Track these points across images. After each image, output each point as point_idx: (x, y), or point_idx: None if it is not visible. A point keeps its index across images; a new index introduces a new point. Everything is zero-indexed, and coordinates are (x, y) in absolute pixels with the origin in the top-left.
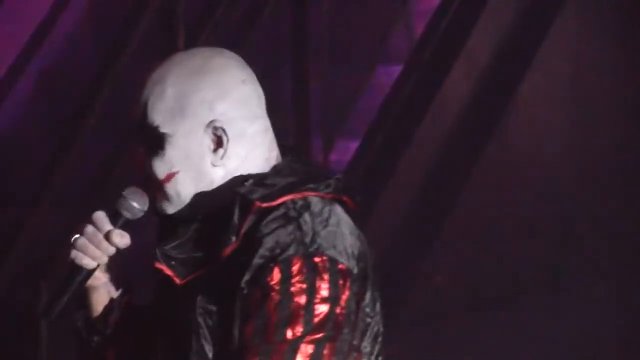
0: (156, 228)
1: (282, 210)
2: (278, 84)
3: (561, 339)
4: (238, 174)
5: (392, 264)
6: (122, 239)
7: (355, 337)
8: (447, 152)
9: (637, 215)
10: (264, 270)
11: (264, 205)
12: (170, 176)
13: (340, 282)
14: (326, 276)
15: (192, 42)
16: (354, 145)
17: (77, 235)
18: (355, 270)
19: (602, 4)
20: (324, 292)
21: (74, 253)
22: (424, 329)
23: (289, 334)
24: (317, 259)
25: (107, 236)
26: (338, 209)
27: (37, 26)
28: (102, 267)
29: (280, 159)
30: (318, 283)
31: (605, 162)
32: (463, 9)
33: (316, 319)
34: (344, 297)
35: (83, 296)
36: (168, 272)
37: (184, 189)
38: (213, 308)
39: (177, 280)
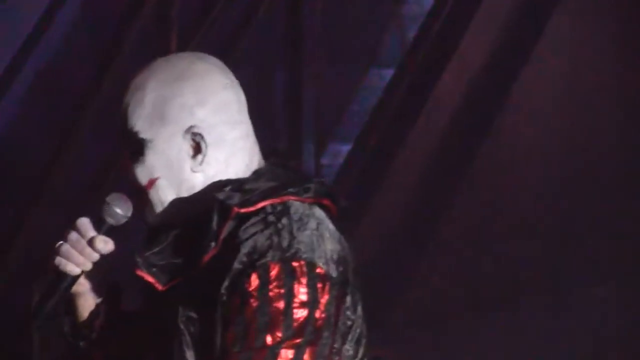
0: (141, 233)
1: (260, 216)
2: (271, 86)
3: (561, 339)
4: (218, 179)
5: (388, 265)
6: (106, 245)
7: (336, 340)
8: (441, 153)
9: (637, 215)
10: (243, 276)
11: (243, 210)
12: (151, 182)
13: (319, 285)
14: (304, 280)
15: (186, 44)
16: (346, 148)
17: (61, 242)
18: (334, 274)
19: (599, 2)
20: (303, 297)
21: (58, 259)
22: (421, 329)
23: (269, 339)
24: (295, 264)
25: (91, 242)
26: (318, 213)
27: (33, 25)
28: (87, 273)
29: (262, 164)
30: (296, 287)
31: (605, 161)
32: (456, 9)
33: (295, 324)
34: (323, 301)
35: (69, 302)
36: (149, 278)
37: (165, 195)
38: (194, 315)
39: (158, 287)
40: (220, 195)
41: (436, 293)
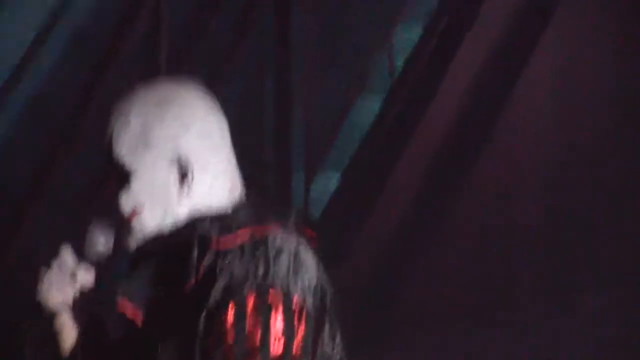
0: (124, 263)
1: (238, 247)
2: (259, 109)
3: (560, 343)
4: (202, 206)
5: (385, 277)
6: (88, 275)
7: None
8: (434, 170)
9: (635, 222)
10: (220, 308)
11: (222, 240)
12: (136, 210)
13: (296, 316)
14: (281, 310)
15: (175, 65)
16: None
17: (43, 273)
18: (311, 304)
19: (590, 19)
20: (279, 327)
21: (40, 290)
22: (423, 332)
23: None
24: (271, 293)
25: (73, 273)
26: (296, 243)
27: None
28: (68, 305)
29: (243, 191)
30: (273, 318)
31: (601, 168)
32: (446, 35)
33: (273, 354)
34: (300, 331)
35: (52, 331)
36: (130, 309)
37: (150, 224)
38: (174, 346)
39: (139, 317)
40: (201, 226)
41: (436, 296)
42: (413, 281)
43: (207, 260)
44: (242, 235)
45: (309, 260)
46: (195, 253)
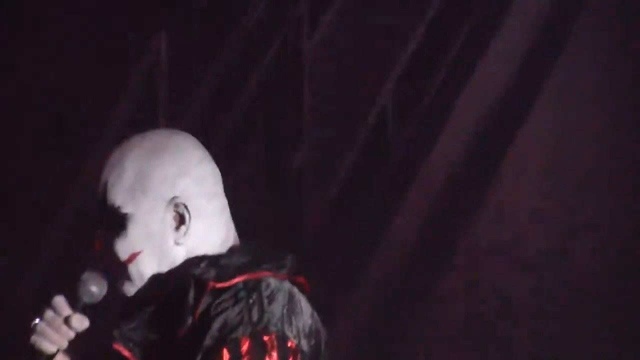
0: (118, 308)
1: (232, 291)
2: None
3: None
4: (198, 252)
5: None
6: (82, 323)
7: None
8: (435, 221)
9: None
10: (214, 352)
11: (218, 285)
12: (133, 256)
13: (290, 359)
14: (275, 354)
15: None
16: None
17: (36, 320)
18: (305, 348)
19: (589, 63)
20: None
21: (34, 337)
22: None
23: None
24: (265, 337)
25: (67, 320)
26: (290, 288)
27: None
28: (63, 351)
29: (237, 239)
30: None
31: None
32: (444, 88)
33: None
34: None
35: None
36: (126, 353)
37: (146, 269)
38: None
39: None
40: (196, 271)
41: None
42: (412, 329)
43: (203, 304)
44: (237, 281)
45: (303, 306)
46: (191, 297)
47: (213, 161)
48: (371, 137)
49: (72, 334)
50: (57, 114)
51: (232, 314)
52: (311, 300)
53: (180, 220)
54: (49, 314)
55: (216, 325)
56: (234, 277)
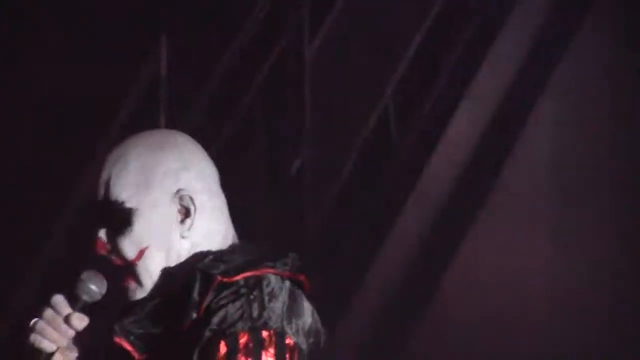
0: (119, 303)
1: (233, 288)
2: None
3: None
4: (202, 247)
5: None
6: (81, 321)
7: None
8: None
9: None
10: (212, 344)
11: (225, 280)
12: (141, 252)
13: (287, 356)
14: (272, 350)
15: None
16: None
17: (36, 319)
18: (304, 346)
19: (582, 91)
20: None
21: (33, 336)
22: None
23: None
24: (264, 333)
25: (67, 319)
26: (292, 286)
27: None
28: (62, 350)
29: (236, 237)
30: (264, 357)
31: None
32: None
33: None
34: None
35: None
36: (127, 346)
37: (154, 265)
38: None
39: (136, 356)
40: (202, 265)
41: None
42: (414, 331)
43: (209, 298)
44: (242, 277)
45: (304, 304)
46: (197, 291)
47: (212, 161)
48: (372, 139)
49: (71, 333)
50: (57, 115)
51: (232, 309)
52: (311, 300)
53: (186, 213)
54: (48, 312)
55: (216, 319)
56: (239, 273)
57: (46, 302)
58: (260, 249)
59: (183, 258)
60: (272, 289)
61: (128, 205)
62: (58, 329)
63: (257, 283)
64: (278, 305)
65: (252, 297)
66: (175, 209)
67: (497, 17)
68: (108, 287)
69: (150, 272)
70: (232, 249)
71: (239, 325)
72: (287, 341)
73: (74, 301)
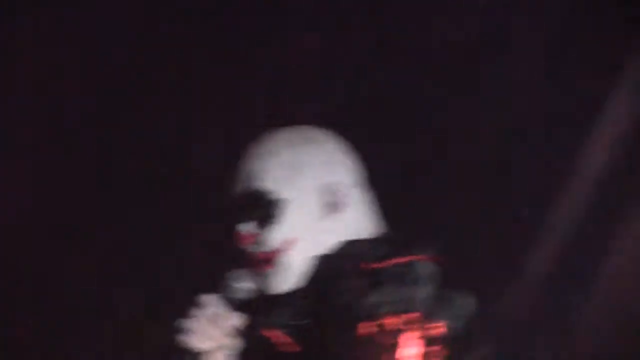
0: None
1: (384, 273)
2: None
3: None
4: (347, 238)
5: None
6: (238, 319)
7: None
8: None
9: None
10: (359, 327)
11: (374, 267)
12: (287, 245)
13: (434, 338)
14: (419, 332)
15: None
16: None
17: (190, 320)
18: (454, 328)
19: None
20: (414, 350)
21: (191, 337)
22: None
23: None
24: (412, 317)
25: (221, 319)
26: (439, 271)
27: None
28: (221, 348)
29: (379, 228)
30: (412, 340)
31: None
32: None
33: None
34: (441, 353)
35: None
36: (282, 338)
37: (301, 256)
38: None
39: (291, 347)
40: (350, 254)
41: None
42: None
43: (358, 285)
44: (390, 263)
45: (451, 288)
46: (348, 279)
47: (357, 156)
48: None
49: (230, 331)
50: None
51: (381, 294)
52: (456, 283)
53: (332, 205)
54: (204, 312)
55: (367, 304)
56: (387, 260)
57: (197, 304)
58: (401, 238)
59: (329, 249)
60: (421, 274)
61: (279, 196)
62: (217, 328)
63: (406, 268)
64: (427, 290)
65: (401, 280)
66: (321, 201)
67: None
68: (253, 281)
69: (297, 263)
70: (377, 238)
71: (386, 308)
72: (432, 325)
73: (227, 299)
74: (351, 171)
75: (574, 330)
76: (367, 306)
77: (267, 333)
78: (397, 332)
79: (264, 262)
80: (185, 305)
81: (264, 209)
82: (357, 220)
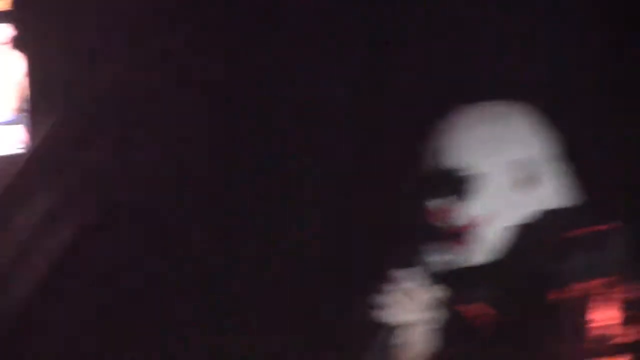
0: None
1: (586, 239)
2: None
3: None
4: (541, 209)
5: None
6: (433, 294)
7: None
8: None
9: None
10: (560, 292)
11: (575, 234)
12: (480, 219)
13: (635, 303)
14: (618, 295)
15: None
16: None
17: (385, 295)
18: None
19: None
20: (614, 314)
21: (387, 312)
22: None
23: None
24: (610, 282)
25: (417, 293)
26: (629, 237)
27: None
28: (419, 322)
29: (576, 200)
30: (608, 304)
31: None
32: None
33: (619, 342)
34: (636, 316)
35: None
36: (491, 311)
37: (494, 230)
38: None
39: (493, 319)
40: (544, 226)
41: None
42: None
43: (557, 252)
44: (586, 230)
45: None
46: (546, 250)
47: (551, 132)
48: None
49: (427, 304)
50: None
51: (579, 260)
52: None
53: (527, 181)
54: (402, 286)
55: (564, 270)
56: (581, 230)
57: (388, 279)
58: (600, 206)
59: (525, 221)
60: (617, 240)
61: (472, 171)
62: (414, 302)
63: (602, 235)
64: (622, 254)
65: (597, 248)
66: (515, 176)
67: None
68: (447, 255)
69: (492, 237)
70: (572, 208)
71: (587, 274)
72: (632, 287)
73: (422, 274)
74: (545, 146)
75: None
76: (565, 274)
77: (463, 307)
78: (596, 296)
79: (457, 236)
80: (380, 280)
81: (457, 184)
82: (551, 195)
